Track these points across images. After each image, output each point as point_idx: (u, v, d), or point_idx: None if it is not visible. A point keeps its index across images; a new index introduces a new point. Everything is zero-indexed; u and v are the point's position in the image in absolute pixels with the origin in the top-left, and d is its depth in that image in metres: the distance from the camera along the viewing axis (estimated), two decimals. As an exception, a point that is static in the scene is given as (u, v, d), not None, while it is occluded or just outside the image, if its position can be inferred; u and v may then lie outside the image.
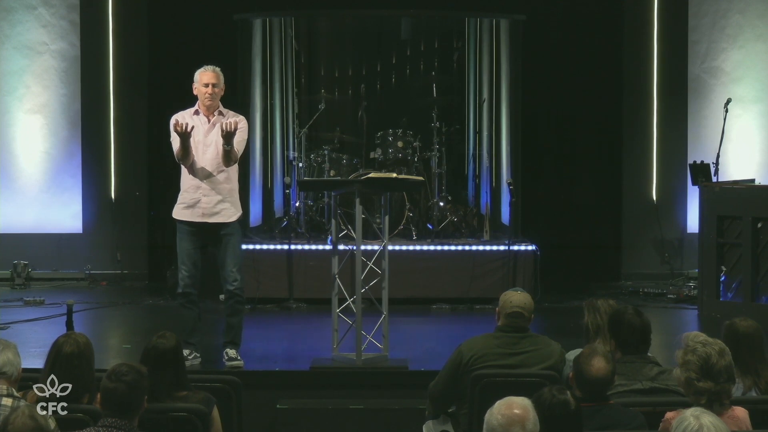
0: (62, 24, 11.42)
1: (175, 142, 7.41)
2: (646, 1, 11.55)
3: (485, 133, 11.27)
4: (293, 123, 11.50)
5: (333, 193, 8.32)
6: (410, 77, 11.72)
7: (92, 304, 10.09)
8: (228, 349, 7.55)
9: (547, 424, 4.04)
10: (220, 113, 7.57)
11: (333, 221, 7.92)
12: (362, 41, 11.84)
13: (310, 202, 10.71)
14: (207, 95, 7.50)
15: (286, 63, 11.51)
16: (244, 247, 10.05)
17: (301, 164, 10.74)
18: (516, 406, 3.91)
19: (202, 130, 7.52)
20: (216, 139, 7.48)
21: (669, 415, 4.37)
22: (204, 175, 7.50)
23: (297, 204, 10.68)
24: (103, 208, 11.53)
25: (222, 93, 7.59)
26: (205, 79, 7.53)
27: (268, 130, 11.27)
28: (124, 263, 11.32)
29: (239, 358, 7.52)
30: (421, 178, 9.04)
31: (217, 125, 7.48)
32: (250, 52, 11.12)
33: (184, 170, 7.59)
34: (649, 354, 5.34)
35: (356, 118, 11.45)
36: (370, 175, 8.02)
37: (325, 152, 10.71)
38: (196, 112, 7.58)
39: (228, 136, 7.32)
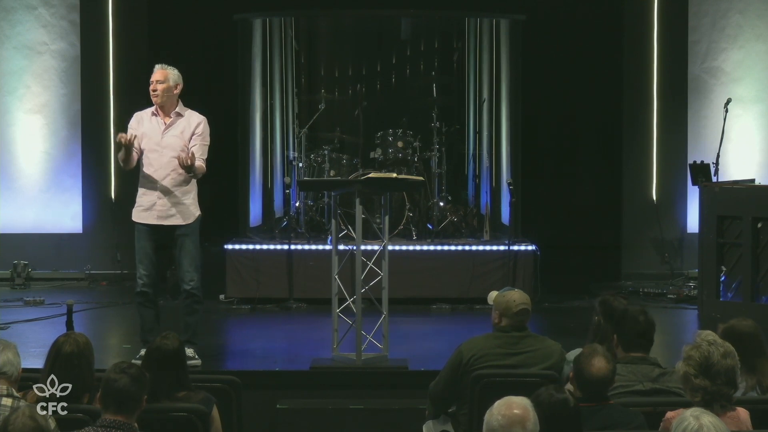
0: (62, 24, 11.42)
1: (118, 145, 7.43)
2: (646, 1, 11.54)
3: (485, 133, 11.25)
4: (293, 123, 11.49)
5: (333, 193, 8.31)
6: (410, 77, 11.71)
7: (92, 304, 10.08)
8: (185, 348, 7.52)
9: (548, 424, 4.04)
10: (178, 114, 7.47)
11: (333, 221, 7.92)
12: (362, 41, 11.83)
13: (310, 202, 10.71)
14: (152, 93, 7.44)
15: (286, 63, 11.49)
16: (244, 247, 10.15)
17: (301, 164, 10.73)
18: (516, 406, 3.90)
19: (158, 132, 7.45)
20: (172, 142, 7.42)
21: (669, 414, 4.37)
22: (160, 178, 7.47)
23: (297, 204, 10.68)
24: (103, 208, 11.51)
25: (175, 91, 7.47)
26: (152, 77, 7.47)
27: (268, 130, 11.26)
28: (124, 263, 11.28)
29: (197, 357, 7.48)
30: (421, 178, 9.03)
31: (175, 133, 7.42)
32: (250, 52, 11.10)
33: (141, 172, 7.55)
34: (651, 355, 5.34)
35: (355, 118, 11.45)
36: (370, 175, 8.01)
37: (325, 152, 10.70)
38: (154, 113, 7.50)
39: (187, 169, 7.30)
